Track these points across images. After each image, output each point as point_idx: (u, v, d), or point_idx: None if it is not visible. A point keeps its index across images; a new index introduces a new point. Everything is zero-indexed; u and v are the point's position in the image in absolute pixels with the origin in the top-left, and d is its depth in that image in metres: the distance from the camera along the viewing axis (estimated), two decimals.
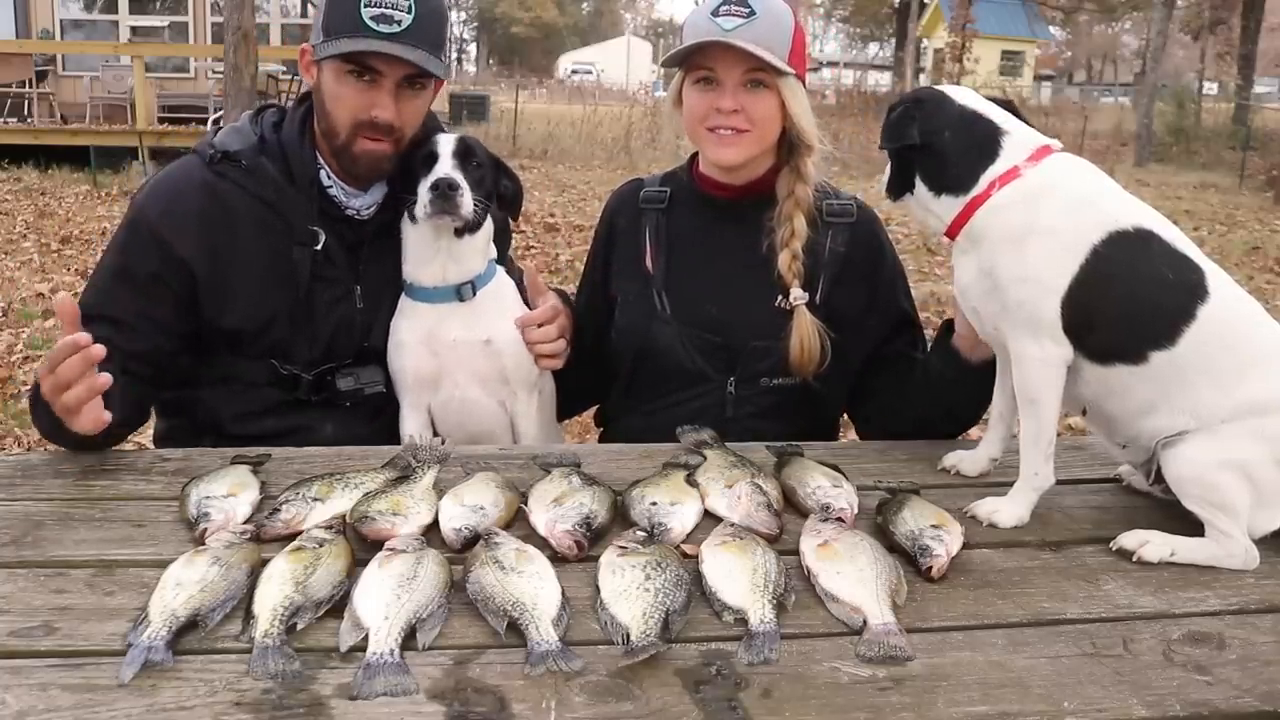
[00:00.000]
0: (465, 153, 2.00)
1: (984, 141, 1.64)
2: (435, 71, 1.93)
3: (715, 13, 1.96)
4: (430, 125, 2.10)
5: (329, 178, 2.04)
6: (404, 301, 2.10)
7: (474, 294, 2.07)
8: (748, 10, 1.95)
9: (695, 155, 2.19)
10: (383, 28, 1.86)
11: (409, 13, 1.88)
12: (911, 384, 2.07)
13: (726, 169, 2.09)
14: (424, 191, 1.94)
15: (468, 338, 2.07)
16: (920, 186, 1.70)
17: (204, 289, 1.98)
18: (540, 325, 2.10)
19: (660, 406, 2.13)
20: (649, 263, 2.15)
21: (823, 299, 2.07)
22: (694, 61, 2.01)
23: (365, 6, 1.87)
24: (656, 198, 2.19)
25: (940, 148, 1.66)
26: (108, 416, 1.71)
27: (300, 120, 2.05)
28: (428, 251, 2.04)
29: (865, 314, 2.11)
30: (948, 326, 2.01)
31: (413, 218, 2.01)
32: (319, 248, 2.01)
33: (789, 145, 2.07)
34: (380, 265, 2.09)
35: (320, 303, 2.04)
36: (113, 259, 2.01)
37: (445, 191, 1.92)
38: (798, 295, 2.04)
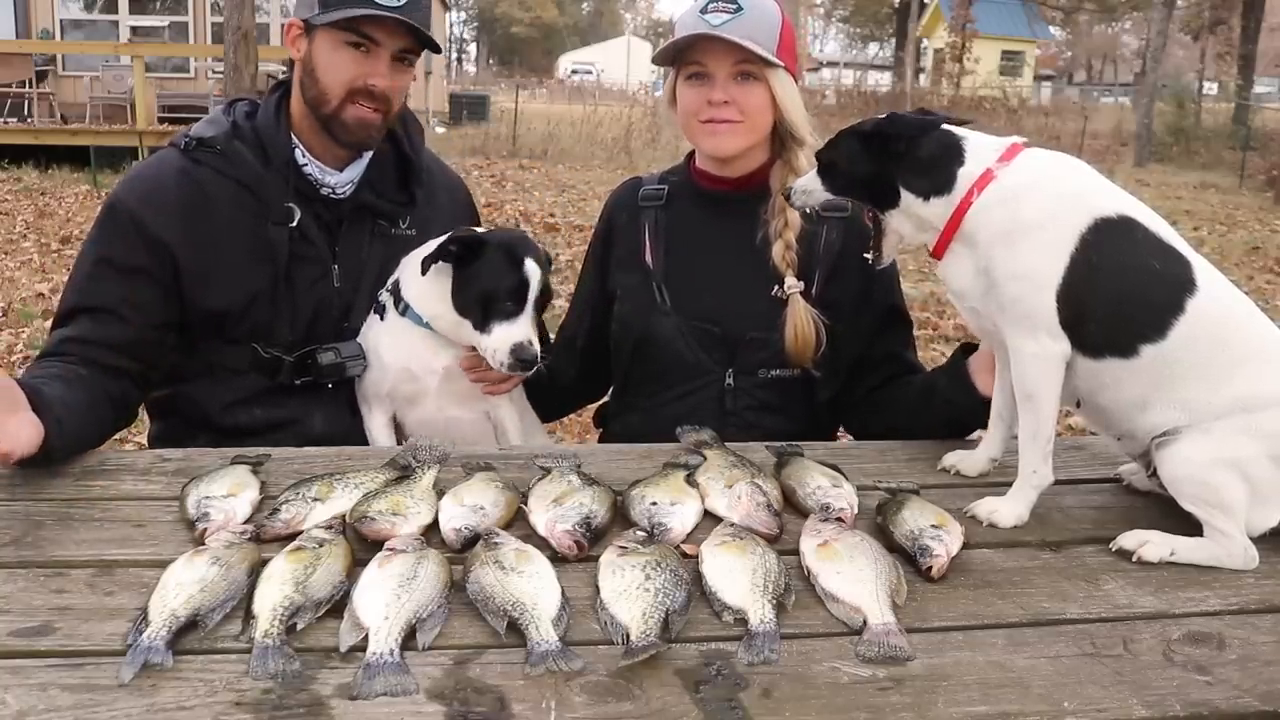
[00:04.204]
0: (542, 298, 2.02)
1: (950, 147, 1.65)
2: (433, 39, 2.00)
3: (704, 10, 2.01)
4: (406, 116, 2.16)
5: (304, 156, 2.07)
6: (395, 321, 2.08)
7: None
8: (735, 6, 2.00)
9: (692, 153, 2.22)
10: (382, 0, 1.92)
11: None
12: (911, 398, 2.09)
13: (721, 161, 2.12)
14: (504, 349, 1.96)
15: (453, 364, 2.10)
16: (907, 197, 1.67)
17: (186, 273, 2.00)
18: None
19: (660, 402, 2.14)
20: (648, 257, 2.17)
21: (818, 292, 2.09)
22: (685, 58, 2.06)
23: None
24: (655, 195, 2.22)
25: (919, 152, 1.65)
26: (16, 448, 1.58)
27: (276, 104, 2.09)
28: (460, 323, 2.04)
29: (859, 307, 2.13)
30: (964, 350, 2.02)
31: (462, 292, 2.00)
32: (295, 225, 2.03)
33: (781, 139, 2.11)
34: (357, 244, 2.13)
35: (300, 282, 2.07)
36: (93, 250, 2.02)
37: (527, 365, 1.97)
38: (791, 284, 2.06)
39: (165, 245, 1.98)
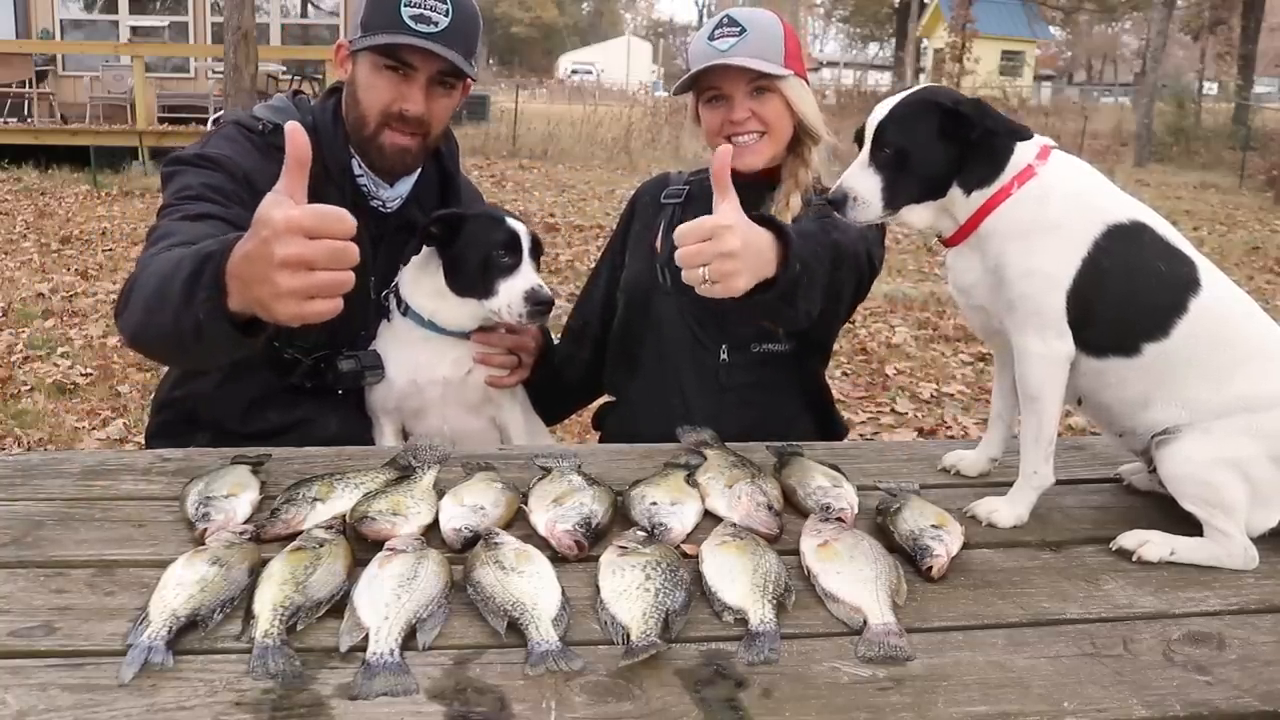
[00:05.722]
0: (535, 248, 2.06)
1: (1010, 139, 1.61)
2: (465, 71, 2.00)
3: (711, 37, 2.16)
4: (446, 132, 2.18)
5: (360, 168, 2.08)
6: (399, 323, 2.10)
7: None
8: (739, 29, 2.13)
9: None
10: (420, 26, 1.94)
11: (446, 15, 1.96)
12: None
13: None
14: (516, 300, 1.99)
15: (453, 374, 2.11)
16: (954, 191, 1.62)
17: None
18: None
19: (660, 373, 2.23)
20: (658, 243, 2.29)
21: None
22: (702, 84, 2.20)
23: (405, 6, 1.94)
24: (675, 194, 2.35)
25: (988, 144, 1.59)
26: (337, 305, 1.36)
27: (332, 110, 2.09)
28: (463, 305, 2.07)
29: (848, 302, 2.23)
30: None
31: (457, 269, 2.02)
32: None
33: (797, 136, 2.23)
34: (393, 258, 2.14)
35: None
36: (195, 183, 1.89)
37: (545, 309, 1.99)
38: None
39: (256, 189, 1.91)
